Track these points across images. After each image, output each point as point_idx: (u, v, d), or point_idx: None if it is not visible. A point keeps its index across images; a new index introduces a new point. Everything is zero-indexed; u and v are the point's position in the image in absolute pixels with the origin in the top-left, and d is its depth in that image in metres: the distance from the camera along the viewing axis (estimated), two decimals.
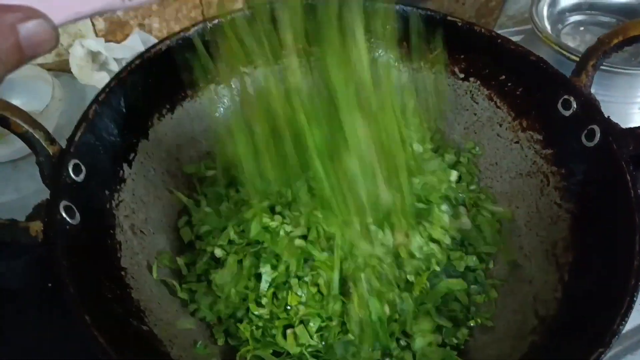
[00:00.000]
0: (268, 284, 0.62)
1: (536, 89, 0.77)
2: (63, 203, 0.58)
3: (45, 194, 0.59)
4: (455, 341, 0.63)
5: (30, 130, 0.62)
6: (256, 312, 0.62)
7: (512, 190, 0.77)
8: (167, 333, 0.59)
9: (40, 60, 1.08)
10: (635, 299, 0.52)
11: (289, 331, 0.61)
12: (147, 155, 0.75)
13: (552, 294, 0.63)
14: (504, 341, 0.61)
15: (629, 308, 0.51)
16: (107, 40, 1.12)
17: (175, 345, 0.58)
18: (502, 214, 0.75)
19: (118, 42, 1.13)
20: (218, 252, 0.66)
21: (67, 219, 0.58)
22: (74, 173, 0.61)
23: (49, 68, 1.05)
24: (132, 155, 0.72)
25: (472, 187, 0.78)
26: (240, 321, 0.63)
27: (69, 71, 1.07)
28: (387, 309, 0.60)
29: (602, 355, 0.48)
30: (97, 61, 1.08)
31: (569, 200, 0.69)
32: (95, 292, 0.56)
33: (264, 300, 0.62)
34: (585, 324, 0.55)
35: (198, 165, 0.79)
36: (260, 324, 0.62)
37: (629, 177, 0.62)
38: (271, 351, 0.60)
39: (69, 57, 1.06)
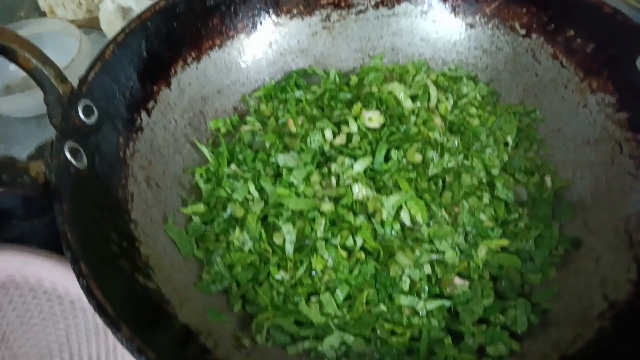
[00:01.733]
0: (292, 245, 0.55)
1: (610, 45, 0.66)
2: (69, 144, 0.52)
3: None
4: (502, 319, 0.53)
5: (39, 65, 0.56)
6: (278, 276, 0.55)
7: (576, 159, 0.67)
8: (178, 294, 0.53)
9: (70, 16, 1.04)
10: None
11: (313, 299, 0.53)
12: (169, 105, 0.68)
13: (625, 275, 0.53)
14: (565, 326, 0.52)
15: None
16: None
17: (185, 308, 0.52)
18: (561, 183, 0.65)
19: None
20: (237, 211, 0.60)
21: (73, 161, 0.52)
22: (84, 114, 0.56)
23: (79, 25, 1.01)
24: (152, 103, 0.66)
25: (530, 154, 0.69)
26: (260, 286, 0.55)
27: (99, 29, 1.03)
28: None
29: None
30: (128, 17, 1.02)
31: None
32: (99, 242, 0.50)
33: (287, 264, 0.55)
34: None
35: (224, 121, 0.73)
36: (282, 289, 0.54)
37: None
38: (292, 320, 0.53)
39: (99, 13, 1.01)
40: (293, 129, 0.65)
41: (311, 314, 0.52)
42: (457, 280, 0.54)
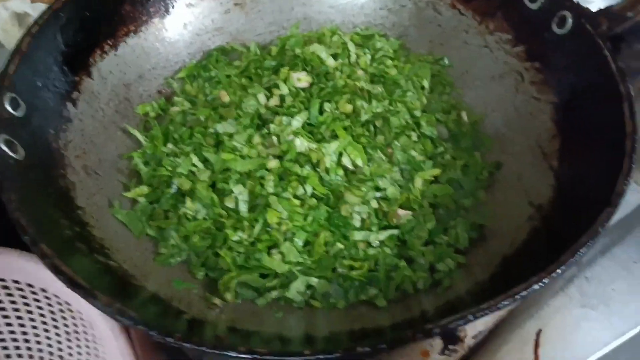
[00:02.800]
0: (246, 205, 0.57)
1: None
2: (3, 137, 0.51)
3: None
4: (446, 239, 0.59)
5: None
6: (235, 238, 0.56)
7: (486, 95, 0.74)
8: (140, 270, 0.54)
9: None
10: (633, 161, 0.50)
11: (273, 251, 0.56)
12: (93, 95, 0.68)
13: (545, 182, 0.60)
14: (501, 235, 0.58)
15: (629, 169, 0.48)
16: (33, 1, 1.02)
17: (151, 280, 0.52)
18: (476, 117, 0.72)
19: (46, 2, 1.03)
20: (184, 184, 0.61)
21: (10, 152, 0.51)
22: (11, 107, 0.55)
23: None
24: (76, 94, 0.65)
25: (445, 97, 0.75)
26: (220, 250, 0.57)
27: None
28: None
29: (611, 216, 0.45)
30: (25, 24, 0.98)
31: (547, 91, 0.67)
32: (52, 227, 0.49)
33: (244, 224, 0.57)
34: (587, 196, 0.52)
35: (151, 105, 0.73)
36: (242, 250, 0.56)
37: (607, 53, 0.59)
38: (257, 275, 0.55)
39: None
40: (226, 98, 0.67)
41: (274, 265, 0.55)
42: (401, 212, 0.58)
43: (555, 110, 0.65)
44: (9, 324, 0.62)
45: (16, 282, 0.58)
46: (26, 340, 0.63)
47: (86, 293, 0.41)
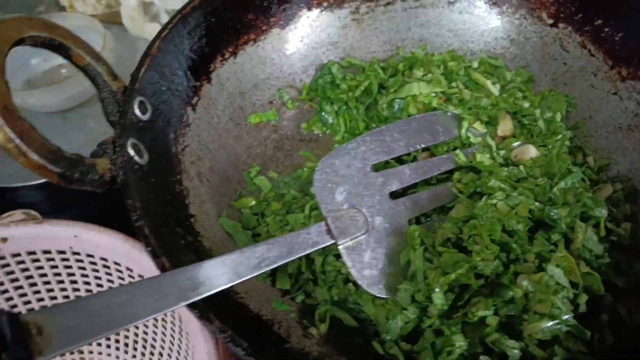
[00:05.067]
0: None
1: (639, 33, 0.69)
2: (131, 140, 0.53)
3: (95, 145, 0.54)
4: None
5: (93, 62, 0.57)
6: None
7: (609, 145, 0.69)
8: (243, 285, 0.54)
9: (90, 10, 1.04)
10: None
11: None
12: (211, 101, 0.69)
13: None
14: None
15: None
16: None
17: (253, 299, 0.53)
18: (603, 162, 0.68)
19: None
20: None
21: (136, 157, 0.53)
22: (140, 111, 0.57)
23: (98, 20, 1.00)
24: (196, 99, 0.67)
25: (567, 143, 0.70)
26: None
27: (120, 23, 1.02)
28: None
29: None
30: (149, 13, 1.02)
31: None
32: (169, 236, 0.51)
33: None
34: None
35: (261, 115, 0.74)
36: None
37: None
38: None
39: (120, 8, 1.00)
40: None
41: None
42: None
43: None
44: None
45: (117, 263, 0.60)
46: None
47: (201, 315, 0.42)
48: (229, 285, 0.44)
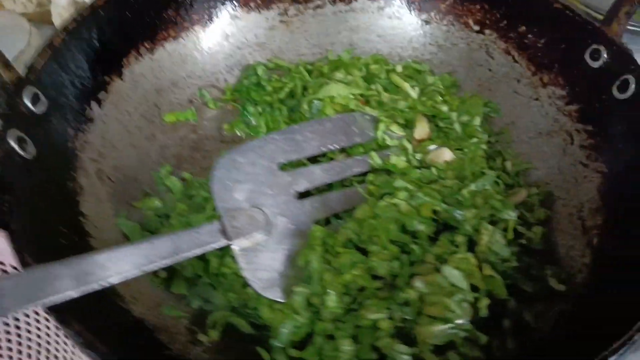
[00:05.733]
0: None
1: (560, 40, 0.68)
2: (15, 133, 0.50)
3: None
4: None
5: None
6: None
7: (530, 150, 0.69)
8: (130, 289, 0.51)
9: (20, 9, 1.00)
10: None
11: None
12: (122, 97, 0.66)
13: (579, 260, 0.54)
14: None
15: None
16: None
17: (140, 304, 0.50)
18: (520, 166, 0.67)
19: None
20: None
21: (19, 150, 0.50)
22: (31, 103, 0.53)
23: (29, 19, 0.96)
24: (103, 94, 0.64)
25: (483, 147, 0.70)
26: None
27: (51, 23, 0.99)
28: None
29: None
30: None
31: (597, 159, 0.61)
32: (45, 234, 0.47)
33: None
34: (622, 289, 0.46)
35: (179, 114, 0.71)
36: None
37: None
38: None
39: (50, 7, 0.97)
40: None
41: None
42: None
43: (603, 181, 0.59)
44: None
45: None
46: None
47: (60, 320, 0.39)
48: (75, 293, 0.40)
